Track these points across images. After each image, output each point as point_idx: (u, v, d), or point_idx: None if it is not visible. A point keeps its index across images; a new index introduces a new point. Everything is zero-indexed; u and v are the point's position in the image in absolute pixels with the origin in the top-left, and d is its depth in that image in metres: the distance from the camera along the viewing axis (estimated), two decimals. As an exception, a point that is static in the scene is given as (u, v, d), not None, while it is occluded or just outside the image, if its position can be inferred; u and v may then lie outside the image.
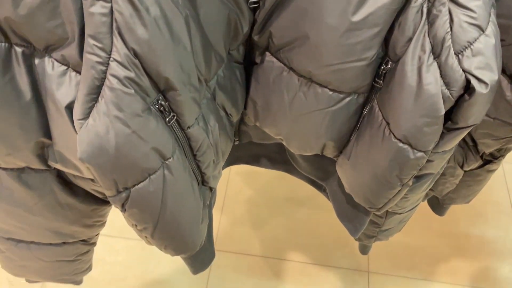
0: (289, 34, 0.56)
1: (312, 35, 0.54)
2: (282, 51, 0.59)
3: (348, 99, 0.60)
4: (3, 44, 0.44)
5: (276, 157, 0.88)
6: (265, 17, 0.56)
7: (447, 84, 0.50)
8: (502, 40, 0.53)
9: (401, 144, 0.56)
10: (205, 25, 0.51)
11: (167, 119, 0.51)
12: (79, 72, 0.46)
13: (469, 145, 0.78)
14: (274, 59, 0.61)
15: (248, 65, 0.64)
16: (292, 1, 0.53)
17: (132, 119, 0.46)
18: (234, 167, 1.45)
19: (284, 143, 0.72)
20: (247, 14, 0.55)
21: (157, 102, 0.49)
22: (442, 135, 0.55)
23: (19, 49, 0.45)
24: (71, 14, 0.42)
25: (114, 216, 1.29)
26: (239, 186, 1.44)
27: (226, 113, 0.65)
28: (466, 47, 0.48)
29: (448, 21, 0.48)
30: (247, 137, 0.79)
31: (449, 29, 0.49)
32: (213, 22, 0.52)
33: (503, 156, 0.81)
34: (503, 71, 0.64)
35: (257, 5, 0.55)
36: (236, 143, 0.80)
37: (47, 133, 0.51)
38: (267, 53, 0.61)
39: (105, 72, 0.43)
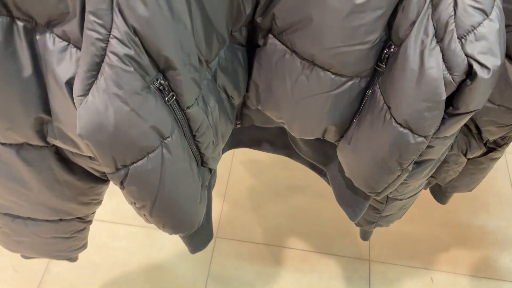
0: (292, 16, 0.56)
1: (316, 17, 0.54)
2: (285, 34, 0.59)
3: (350, 83, 0.60)
4: (5, 18, 0.44)
5: (278, 141, 0.88)
6: (269, -1, 0.56)
7: (449, 68, 0.50)
8: (507, 26, 0.53)
9: (401, 129, 0.56)
10: (207, 4, 0.50)
11: (166, 99, 0.51)
12: (79, 48, 0.46)
13: (473, 132, 0.77)
14: (277, 42, 0.60)
15: (251, 47, 0.64)
16: (296, -17, 0.53)
17: (131, 97, 0.46)
18: (237, 156, 1.46)
19: (285, 126, 0.72)
20: None
21: (157, 81, 0.49)
22: (443, 121, 0.55)
23: (20, 24, 0.45)
24: None
25: (117, 202, 1.31)
26: (241, 174, 1.44)
27: (227, 95, 0.65)
28: (470, 32, 0.48)
29: (452, 4, 0.48)
30: (249, 121, 0.79)
31: (452, 13, 0.48)
32: (216, 3, 0.52)
33: (507, 144, 0.81)
34: (509, 57, 0.63)
35: None
36: (238, 126, 0.80)
37: (47, 109, 0.52)
38: (270, 36, 0.61)
39: (105, 49, 0.43)
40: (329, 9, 0.52)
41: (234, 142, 0.88)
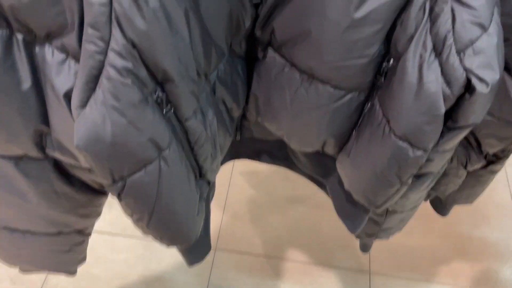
0: (291, 30, 0.56)
1: (314, 31, 0.54)
2: (284, 47, 0.59)
3: (349, 96, 0.60)
4: (5, 30, 0.45)
5: (277, 153, 0.88)
6: (268, 13, 0.56)
7: (447, 82, 0.50)
8: (506, 39, 0.53)
9: (400, 142, 0.56)
10: (206, 18, 0.51)
11: (164, 111, 0.51)
12: (78, 61, 0.46)
13: (473, 145, 0.77)
14: (277, 55, 0.61)
15: (250, 60, 0.64)
16: (295, -3, 0.53)
17: (129, 109, 0.46)
18: (237, 166, 1.46)
19: (285, 139, 0.71)
20: (250, 10, 0.55)
21: (155, 93, 0.49)
22: (442, 134, 0.54)
23: (20, 36, 0.45)
24: (72, 2, 0.42)
25: (116, 214, 1.30)
26: (241, 185, 1.44)
27: (226, 107, 0.65)
28: (468, 46, 0.48)
29: (450, 19, 0.48)
30: (248, 133, 0.79)
31: (451, 28, 0.48)
32: (215, 16, 0.52)
33: (506, 156, 0.80)
34: (508, 71, 0.63)
35: (259, 1, 0.55)
36: (238, 138, 0.80)
37: (46, 121, 0.52)
38: (270, 49, 0.61)
39: (103, 62, 0.44)
40: (328, 23, 0.52)
41: (234, 153, 0.88)
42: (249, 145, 0.86)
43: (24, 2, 0.42)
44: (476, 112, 0.51)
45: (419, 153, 0.56)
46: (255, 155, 0.90)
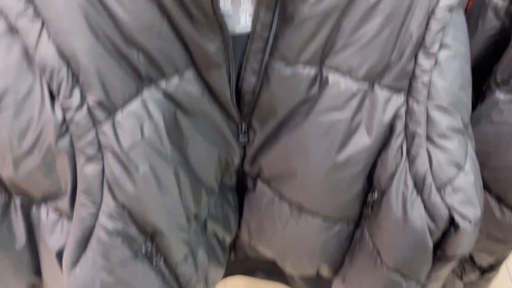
0: (278, 168, 0.58)
1: (299, 171, 0.56)
2: (273, 181, 0.60)
3: (339, 226, 0.61)
4: (3, 195, 0.46)
5: (272, 270, 0.87)
6: (255, 153, 0.58)
7: (432, 218, 0.51)
8: (483, 164, 0.55)
9: (393, 275, 0.56)
10: (196, 167, 0.53)
11: (154, 262, 0.51)
12: (71, 220, 0.47)
13: (466, 258, 0.77)
14: (266, 187, 0.62)
15: (241, 189, 0.66)
16: (280, 140, 0.55)
17: (118, 268, 0.47)
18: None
19: (278, 262, 0.71)
20: (237, 151, 0.57)
21: (144, 245, 0.49)
22: (433, 264, 0.55)
23: (18, 200, 0.47)
24: (66, 172, 0.44)
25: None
26: (237, 284, 1.40)
27: (218, 239, 0.65)
28: (447, 184, 0.49)
29: (427, 161, 0.50)
30: (242, 253, 0.79)
31: (428, 167, 0.50)
32: (204, 163, 0.54)
33: (500, 264, 0.80)
34: (489, 192, 0.65)
35: (247, 143, 0.57)
36: (232, 258, 0.79)
37: (39, 272, 0.52)
38: (259, 180, 0.63)
39: (94, 224, 0.45)
40: (312, 165, 0.54)
41: (228, 271, 0.86)
42: (244, 263, 0.85)
43: (22, 175, 0.44)
44: (463, 245, 0.52)
45: (412, 284, 0.56)
46: (250, 272, 0.89)
